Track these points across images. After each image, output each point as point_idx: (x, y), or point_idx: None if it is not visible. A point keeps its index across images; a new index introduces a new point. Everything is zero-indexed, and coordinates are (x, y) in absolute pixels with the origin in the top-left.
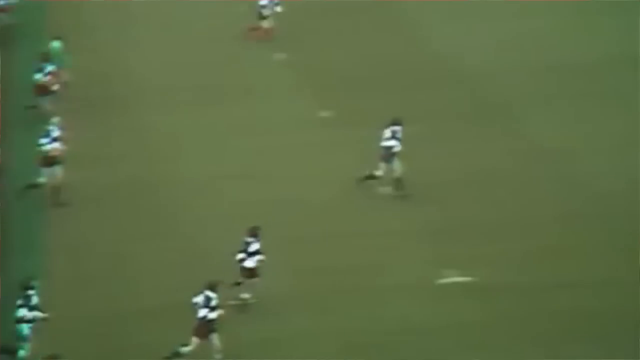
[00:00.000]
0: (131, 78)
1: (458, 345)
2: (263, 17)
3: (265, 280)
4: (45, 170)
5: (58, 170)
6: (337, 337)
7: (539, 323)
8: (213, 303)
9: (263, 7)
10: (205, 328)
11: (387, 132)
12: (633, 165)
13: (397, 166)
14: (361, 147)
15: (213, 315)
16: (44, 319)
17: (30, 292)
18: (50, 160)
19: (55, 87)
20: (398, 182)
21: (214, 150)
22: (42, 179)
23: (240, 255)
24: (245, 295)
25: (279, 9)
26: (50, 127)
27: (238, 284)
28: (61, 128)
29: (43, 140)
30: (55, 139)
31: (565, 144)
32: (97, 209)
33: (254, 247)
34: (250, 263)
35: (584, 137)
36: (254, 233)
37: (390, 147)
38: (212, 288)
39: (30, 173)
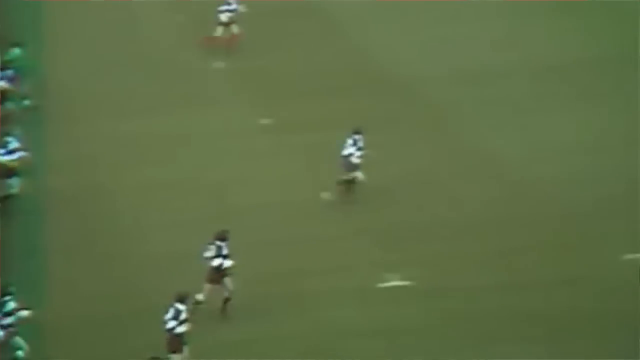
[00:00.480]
0: (72, 86)
1: (399, 347)
2: (223, 24)
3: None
4: (2, 182)
5: (15, 182)
6: (283, 342)
7: (479, 324)
8: (182, 316)
9: (224, 12)
10: (176, 341)
11: (349, 141)
12: (579, 169)
13: (359, 174)
14: (301, 153)
15: (181, 329)
16: (26, 320)
17: (7, 298)
18: (8, 172)
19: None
20: (349, 186)
21: (155, 158)
22: (13, 189)
23: (217, 261)
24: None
25: (241, 8)
26: (9, 139)
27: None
28: (19, 139)
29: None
30: (12, 151)
31: (506, 149)
32: (54, 216)
33: (226, 250)
34: (226, 264)
35: (528, 142)
36: (223, 237)
37: (350, 156)
38: (182, 300)
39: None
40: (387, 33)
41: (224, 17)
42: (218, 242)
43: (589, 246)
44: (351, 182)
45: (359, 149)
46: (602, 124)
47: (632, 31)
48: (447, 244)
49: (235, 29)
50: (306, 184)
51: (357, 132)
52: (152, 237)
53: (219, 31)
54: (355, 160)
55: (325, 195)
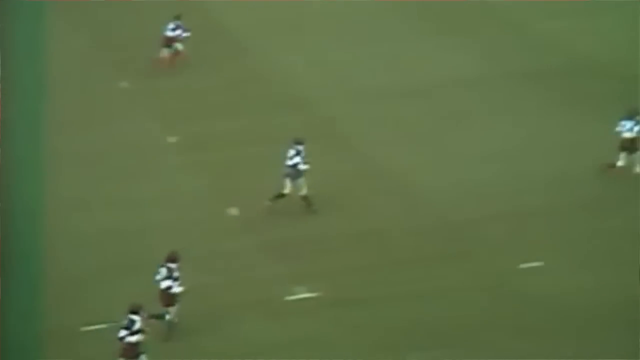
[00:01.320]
0: None
1: (313, 358)
2: (169, 45)
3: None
4: None
5: None
6: (199, 357)
7: (386, 334)
8: (136, 327)
9: (171, 33)
10: (131, 351)
11: (291, 151)
12: (477, 181)
13: (303, 183)
14: (208, 170)
15: (134, 339)
16: None
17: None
18: None
19: None
20: (306, 199)
21: (64, 177)
22: None
23: (167, 282)
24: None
25: (186, 34)
26: None
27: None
28: None
29: None
30: None
31: (406, 162)
32: None
33: (177, 273)
34: (176, 289)
35: (422, 157)
36: (174, 258)
37: (295, 165)
38: (136, 312)
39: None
40: (291, 53)
41: (169, 36)
42: (169, 264)
43: (486, 255)
44: (283, 195)
45: (302, 158)
46: (503, 135)
47: (515, 48)
48: (352, 256)
49: (179, 47)
50: (213, 201)
51: (298, 143)
52: (62, 257)
53: (164, 52)
54: (302, 167)
55: (232, 211)
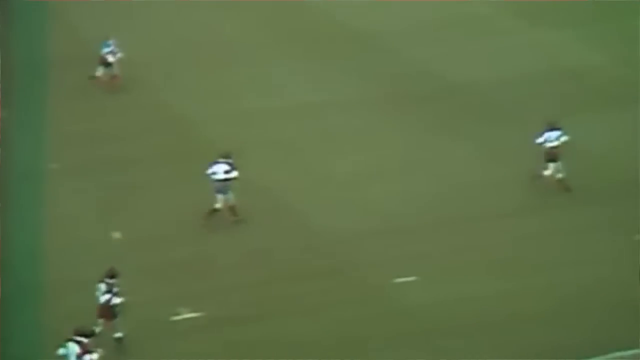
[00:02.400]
0: None
1: None
2: (105, 65)
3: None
4: None
5: None
6: None
7: (272, 351)
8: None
9: (108, 53)
10: None
11: (219, 166)
12: (347, 199)
13: (231, 195)
14: (90, 195)
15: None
16: None
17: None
18: None
19: None
20: (233, 209)
21: None
22: None
23: (107, 296)
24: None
25: (119, 55)
26: None
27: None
28: None
29: None
30: None
31: (282, 183)
32: None
33: (116, 288)
34: (116, 301)
35: (300, 176)
36: (112, 274)
37: (226, 179)
38: (83, 334)
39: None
40: (170, 78)
41: (107, 58)
42: (107, 280)
43: (364, 271)
44: (217, 210)
45: (231, 170)
46: (378, 155)
47: (386, 73)
48: (236, 274)
49: (116, 69)
50: (96, 225)
51: (227, 157)
52: None
53: (100, 70)
54: (231, 176)
55: (116, 235)
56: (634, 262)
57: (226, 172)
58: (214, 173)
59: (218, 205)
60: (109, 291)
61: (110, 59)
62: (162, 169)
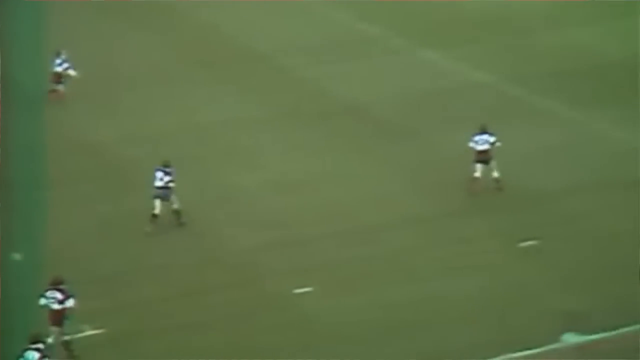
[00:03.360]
0: None
1: None
2: (59, 80)
3: None
4: None
5: None
6: None
7: None
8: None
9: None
10: None
11: (159, 174)
12: (251, 212)
13: (175, 200)
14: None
15: None
16: None
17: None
18: None
19: None
20: (177, 213)
21: None
22: None
23: (57, 306)
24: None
25: (72, 72)
26: None
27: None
28: None
29: None
30: None
31: (188, 200)
32: None
33: (62, 295)
34: (69, 304)
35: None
36: (59, 281)
37: (166, 186)
38: (39, 340)
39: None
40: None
41: (58, 70)
42: (56, 287)
43: (266, 282)
44: (156, 216)
45: (171, 178)
46: (283, 169)
47: (284, 92)
48: (139, 290)
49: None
50: None
51: (166, 165)
52: None
53: (53, 85)
54: (171, 185)
55: (16, 256)
56: (520, 269)
57: (160, 179)
58: (154, 179)
59: (156, 211)
60: (66, 297)
61: (71, 72)
62: (74, 189)
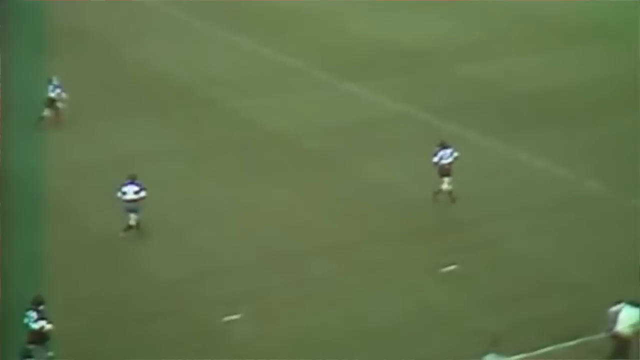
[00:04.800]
0: None
1: None
2: (52, 103)
3: None
4: None
5: None
6: None
7: None
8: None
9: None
10: None
11: (128, 187)
12: (177, 243)
13: (140, 213)
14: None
15: None
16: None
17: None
18: None
19: None
20: (138, 226)
21: None
22: None
23: (41, 323)
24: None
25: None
26: None
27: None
28: None
29: None
30: None
31: (112, 230)
32: None
33: (45, 314)
34: (48, 327)
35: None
36: (40, 301)
37: (136, 199)
38: (27, 355)
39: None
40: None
41: (53, 95)
42: (37, 307)
43: (194, 311)
44: (132, 227)
45: (140, 191)
46: (210, 197)
47: (210, 123)
48: (69, 321)
49: (60, 105)
50: None
51: (133, 177)
52: None
53: (47, 111)
54: (141, 197)
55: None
56: (441, 293)
57: (136, 192)
58: (124, 193)
59: (132, 222)
60: (42, 318)
61: (53, 96)
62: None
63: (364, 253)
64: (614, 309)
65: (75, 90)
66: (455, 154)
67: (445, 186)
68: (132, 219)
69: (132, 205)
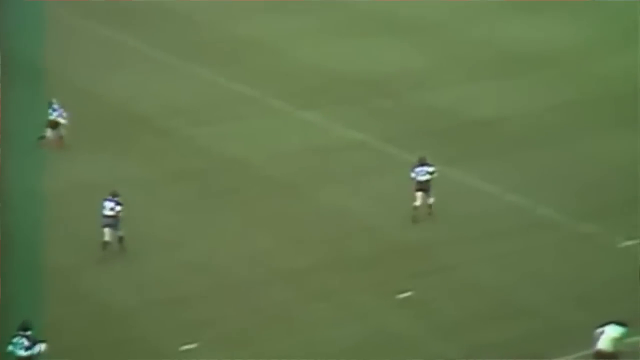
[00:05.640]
0: None
1: None
2: (55, 126)
3: None
4: None
5: None
6: None
7: None
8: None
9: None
10: None
11: (108, 204)
12: (131, 271)
13: (119, 230)
14: None
15: None
16: None
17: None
18: None
19: None
20: (121, 240)
21: None
22: None
23: (37, 347)
24: None
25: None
26: None
27: None
28: None
29: None
30: None
31: (67, 261)
32: None
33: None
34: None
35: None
36: (28, 326)
37: (115, 215)
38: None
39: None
40: None
41: (54, 118)
42: (25, 333)
43: (151, 341)
44: (107, 243)
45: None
46: (164, 225)
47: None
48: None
49: (62, 130)
50: None
51: (115, 195)
52: None
53: (49, 132)
54: (120, 214)
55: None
56: (397, 319)
57: (111, 208)
58: (103, 207)
59: (107, 238)
60: (34, 342)
61: (61, 120)
62: None
63: (321, 279)
64: (599, 330)
65: (32, 120)
66: (431, 170)
67: (418, 202)
68: (107, 234)
69: (108, 221)
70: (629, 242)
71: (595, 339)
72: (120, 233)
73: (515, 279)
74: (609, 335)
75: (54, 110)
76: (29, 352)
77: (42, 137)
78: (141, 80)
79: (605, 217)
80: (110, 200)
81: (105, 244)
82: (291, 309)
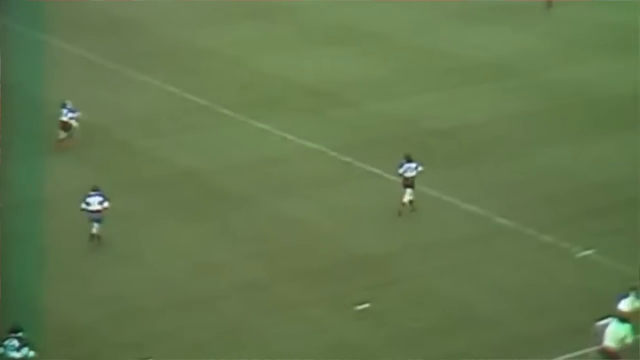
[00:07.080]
0: None
1: None
2: (67, 128)
3: None
4: None
5: None
6: None
7: None
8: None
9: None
10: None
11: (92, 198)
12: (92, 286)
13: (101, 224)
14: None
15: None
16: None
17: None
18: None
19: None
20: (98, 237)
21: None
22: None
23: (25, 350)
24: None
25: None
26: None
27: None
28: None
29: None
30: None
31: (26, 279)
32: None
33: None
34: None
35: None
36: (18, 328)
37: (98, 210)
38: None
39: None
40: None
41: (66, 119)
42: (16, 335)
43: (104, 355)
44: (94, 235)
45: (104, 201)
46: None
47: (123, 163)
48: None
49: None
50: None
51: (96, 189)
52: None
53: (62, 134)
54: (104, 207)
55: None
56: (355, 331)
57: (100, 202)
58: (88, 204)
59: (94, 231)
60: (25, 344)
61: (74, 123)
62: None
63: (277, 292)
64: (601, 323)
65: None
66: (420, 169)
67: (407, 198)
68: (95, 228)
69: (97, 216)
70: (587, 252)
71: (599, 333)
72: (98, 230)
73: (474, 288)
74: (616, 335)
75: (69, 111)
76: (20, 354)
77: (60, 140)
78: (93, 90)
79: (563, 227)
80: (96, 195)
81: (93, 236)
82: (247, 322)
